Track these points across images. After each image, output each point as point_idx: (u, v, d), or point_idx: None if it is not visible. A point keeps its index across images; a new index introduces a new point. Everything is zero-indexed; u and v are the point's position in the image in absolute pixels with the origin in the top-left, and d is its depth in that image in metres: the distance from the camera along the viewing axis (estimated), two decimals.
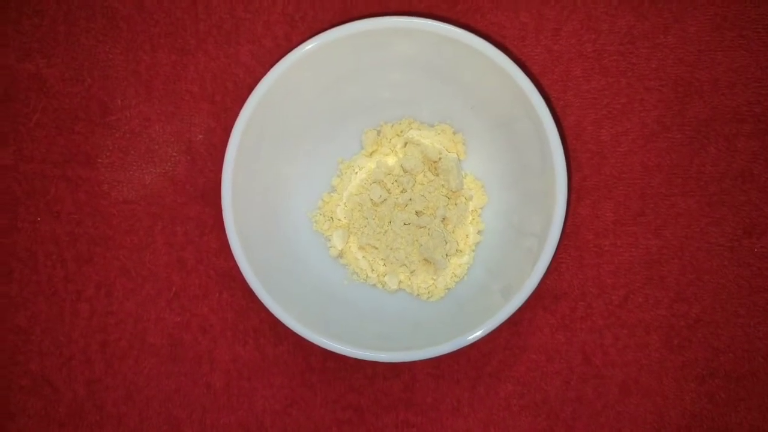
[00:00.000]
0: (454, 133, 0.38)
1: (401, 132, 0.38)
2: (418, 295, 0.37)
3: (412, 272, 0.37)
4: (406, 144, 0.38)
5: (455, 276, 0.37)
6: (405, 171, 0.38)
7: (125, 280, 0.39)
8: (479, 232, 0.38)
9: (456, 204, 0.37)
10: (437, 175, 0.38)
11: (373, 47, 0.35)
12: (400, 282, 0.37)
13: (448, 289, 0.37)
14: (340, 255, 0.38)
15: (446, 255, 0.37)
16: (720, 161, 0.37)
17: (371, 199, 0.37)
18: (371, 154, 0.39)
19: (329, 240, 0.38)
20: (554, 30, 0.38)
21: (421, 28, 0.33)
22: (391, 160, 0.38)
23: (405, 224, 0.37)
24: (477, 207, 0.38)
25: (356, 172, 0.38)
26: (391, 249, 0.37)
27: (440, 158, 0.37)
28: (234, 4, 0.39)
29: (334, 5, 0.38)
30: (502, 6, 0.38)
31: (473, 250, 0.38)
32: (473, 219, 0.38)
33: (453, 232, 0.37)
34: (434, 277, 0.37)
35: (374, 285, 0.38)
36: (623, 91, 0.37)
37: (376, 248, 0.38)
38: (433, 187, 0.37)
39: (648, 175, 0.37)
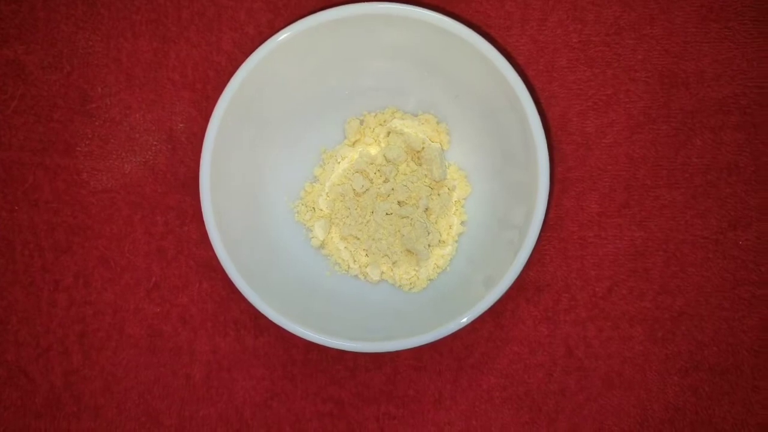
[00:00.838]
0: (438, 122, 0.38)
1: (384, 121, 0.38)
2: (400, 286, 0.37)
3: (394, 263, 0.37)
4: (389, 133, 0.38)
5: (438, 267, 0.37)
6: (388, 161, 0.37)
7: (104, 270, 0.39)
8: (462, 223, 0.37)
9: (439, 194, 0.37)
10: (420, 165, 0.37)
11: (355, 34, 0.34)
12: (382, 273, 0.37)
13: (431, 279, 0.37)
14: (322, 246, 0.38)
15: (429, 245, 0.36)
16: (705, 153, 0.37)
17: (353, 189, 0.37)
18: (354, 143, 0.38)
19: (311, 230, 0.38)
20: (540, 20, 0.37)
21: (405, 15, 0.33)
22: (373, 150, 0.38)
23: (387, 214, 0.37)
24: (460, 197, 0.37)
25: (339, 162, 0.38)
26: (373, 239, 0.37)
27: (423, 148, 0.37)
28: None
29: None
30: None
31: (456, 241, 0.37)
32: (456, 209, 0.37)
33: (436, 222, 0.37)
34: (416, 268, 0.37)
35: (356, 276, 0.37)
36: (609, 82, 0.37)
37: (358, 239, 0.37)
38: (416, 177, 0.37)
39: (633, 167, 0.37)
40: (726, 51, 0.37)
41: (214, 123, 0.34)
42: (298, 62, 0.35)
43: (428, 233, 0.36)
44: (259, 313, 0.34)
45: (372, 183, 0.37)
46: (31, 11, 0.39)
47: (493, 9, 0.37)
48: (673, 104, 0.37)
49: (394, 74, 0.36)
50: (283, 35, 0.33)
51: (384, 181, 0.37)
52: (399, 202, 0.37)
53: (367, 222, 0.37)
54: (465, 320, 0.32)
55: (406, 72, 0.36)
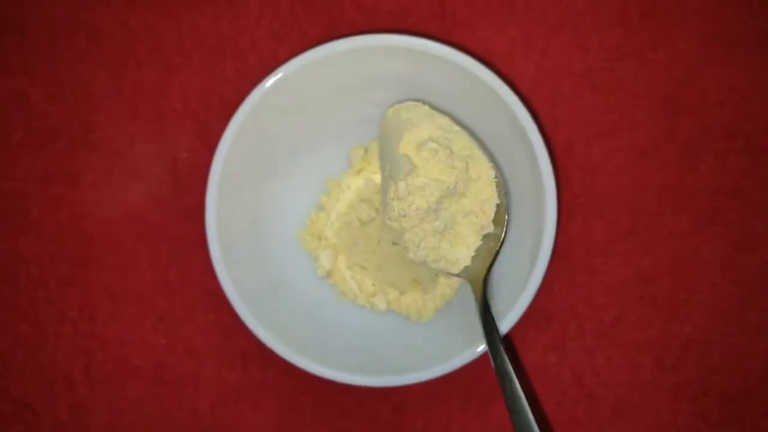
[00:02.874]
0: None
1: None
2: (407, 315, 0.37)
3: (401, 293, 0.37)
4: None
5: (444, 296, 0.37)
6: None
7: (108, 302, 0.38)
8: None
9: None
10: None
11: (359, 65, 0.34)
12: (389, 302, 0.37)
13: (438, 309, 0.37)
14: (328, 275, 0.38)
15: (435, 275, 0.36)
16: (711, 178, 0.37)
17: (359, 219, 0.37)
18: (359, 171, 0.38)
19: (317, 259, 0.38)
20: (543, 46, 0.37)
21: (407, 47, 0.33)
22: (379, 179, 0.38)
23: (393, 244, 0.36)
24: None
25: (344, 191, 0.38)
26: (379, 269, 0.37)
27: None
28: (219, 21, 0.38)
29: (320, 22, 0.38)
30: (490, 22, 0.37)
31: None
32: None
33: None
34: (423, 298, 0.37)
35: (363, 305, 0.37)
36: (613, 108, 0.37)
37: (365, 268, 0.37)
38: None
39: (639, 193, 0.37)
40: (729, 76, 0.37)
41: (219, 154, 0.34)
42: (302, 93, 0.35)
43: None
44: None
45: (377, 212, 0.37)
46: (35, 43, 0.39)
47: (497, 36, 0.37)
48: (678, 130, 0.37)
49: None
50: (289, 68, 0.33)
51: None
52: None
53: (373, 251, 0.37)
54: (473, 355, 0.32)
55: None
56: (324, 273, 0.37)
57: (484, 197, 0.33)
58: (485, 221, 0.33)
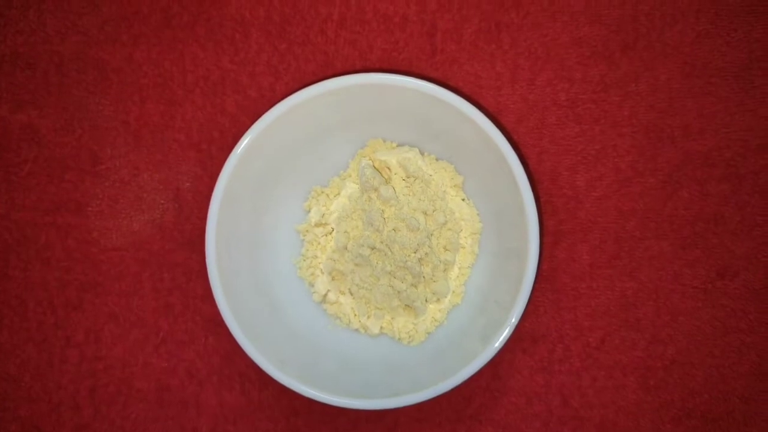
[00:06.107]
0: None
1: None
2: (399, 339, 0.38)
3: (393, 317, 0.38)
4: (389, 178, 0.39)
5: (435, 320, 0.38)
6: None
7: (113, 326, 0.40)
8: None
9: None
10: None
11: (353, 101, 0.36)
12: (381, 327, 0.38)
13: (429, 333, 0.38)
14: (323, 300, 0.39)
15: (426, 301, 0.38)
16: (692, 205, 0.38)
17: (352, 237, 0.38)
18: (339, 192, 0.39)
19: (312, 286, 0.39)
20: (529, 80, 0.39)
21: (400, 85, 0.34)
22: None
23: (386, 271, 0.38)
24: None
25: (333, 201, 0.39)
26: (372, 295, 0.38)
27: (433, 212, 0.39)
28: (220, 56, 0.40)
29: (316, 57, 0.39)
30: (478, 57, 0.39)
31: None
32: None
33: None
34: (415, 322, 0.38)
35: (356, 329, 0.39)
36: (597, 138, 0.38)
37: (359, 294, 0.38)
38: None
39: (622, 219, 0.38)
40: (709, 105, 0.38)
41: (219, 186, 0.35)
42: (300, 127, 0.36)
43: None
44: None
45: (373, 250, 0.38)
46: (45, 77, 0.40)
47: (484, 70, 0.39)
48: (660, 158, 0.38)
49: (393, 137, 0.38)
50: (285, 104, 0.35)
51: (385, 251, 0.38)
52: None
53: (367, 278, 0.38)
54: (462, 378, 0.33)
55: (406, 136, 0.38)
56: (319, 299, 0.39)
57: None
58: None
